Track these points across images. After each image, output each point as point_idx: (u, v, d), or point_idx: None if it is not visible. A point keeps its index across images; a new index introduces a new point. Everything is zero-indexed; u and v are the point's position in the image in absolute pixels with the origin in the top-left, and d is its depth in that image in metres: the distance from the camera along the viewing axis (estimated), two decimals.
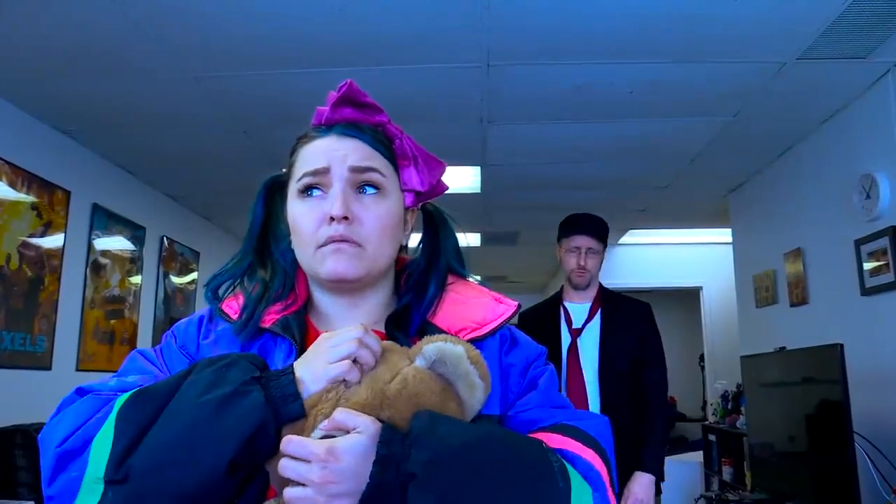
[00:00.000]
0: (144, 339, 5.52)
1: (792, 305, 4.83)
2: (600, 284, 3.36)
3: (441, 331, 1.07)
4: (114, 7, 2.95)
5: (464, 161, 5.11)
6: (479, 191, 5.78)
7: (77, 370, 4.57)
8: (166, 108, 4.07)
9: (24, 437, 3.54)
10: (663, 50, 3.39)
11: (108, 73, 3.58)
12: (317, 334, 1.07)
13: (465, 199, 5.90)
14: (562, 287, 3.41)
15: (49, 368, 4.27)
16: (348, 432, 0.89)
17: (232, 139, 4.48)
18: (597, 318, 3.24)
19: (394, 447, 0.88)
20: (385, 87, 3.74)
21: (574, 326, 3.24)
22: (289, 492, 0.88)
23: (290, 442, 0.89)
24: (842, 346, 3.21)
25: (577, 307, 3.29)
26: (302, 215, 1.10)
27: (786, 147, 4.85)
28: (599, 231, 3.26)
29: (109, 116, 4.19)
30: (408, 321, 1.13)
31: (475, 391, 0.98)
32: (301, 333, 1.11)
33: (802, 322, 4.66)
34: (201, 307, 1.21)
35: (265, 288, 1.15)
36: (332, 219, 1.06)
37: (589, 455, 1.01)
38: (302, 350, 1.03)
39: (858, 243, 3.95)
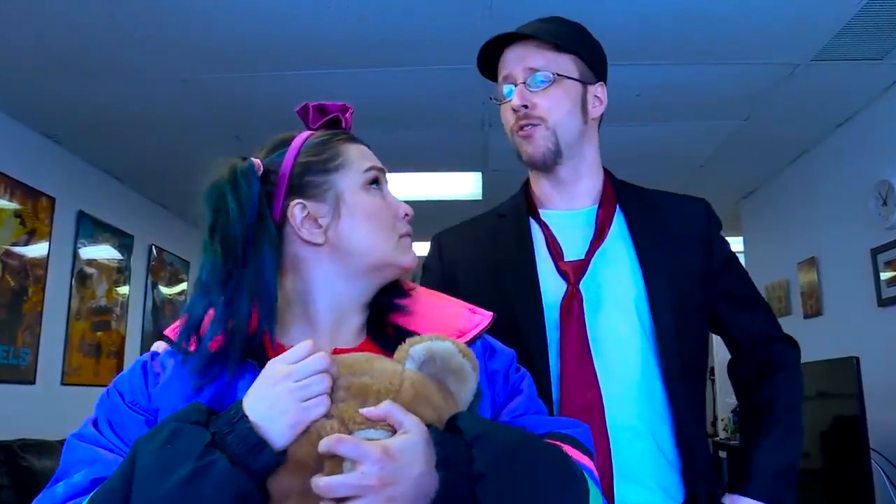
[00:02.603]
0: (132, 352, 5.49)
1: (805, 317, 4.83)
2: (607, 171, 1.75)
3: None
4: (100, 6, 2.95)
5: (464, 167, 5.11)
6: (480, 198, 5.78)
7: (62, 384, 4.54)
8: (155, 111, 4.07)
9: (6, 454, 3.52)
10: (671, 51, 3.40)
11: (94, 74, 3.58)
12: (284, 349, 1.03)
13: (466, 206, 5.87)
14: (526, 184, 1.79)
15: (33, 382, 4.25)
16: (393, 430, 0.91)
17: (224, 143, 4.47)
18: (616, 233, 1.63)
19: (448, 448, 0.91)
20: (382, 89, 3.75)
21: (568, 258, 1.59)
22: None
23: (343, 442, 0.87)
24: (857, 359, 3.20)
25: (567, 218, 1.67)
26: (381, 207, 1.17)
27: (799, 152, 4.85)
28: (555, 33, 1.64)
29: (95, 120, 4.19)
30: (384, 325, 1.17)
31: (466, 383, 1.00)
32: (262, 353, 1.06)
33: (816, 334, 4.65)
34: None
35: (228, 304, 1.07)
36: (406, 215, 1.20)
37: (587, 462, 1.06)
38: None
39: (875, 252, 3.95)
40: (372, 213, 1.15)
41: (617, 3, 3.01)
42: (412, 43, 3.32)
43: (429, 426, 0.92)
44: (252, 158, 1.14)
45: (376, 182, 1.18)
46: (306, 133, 1.21)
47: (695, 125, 4.35)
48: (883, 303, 3.89)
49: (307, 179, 1.14)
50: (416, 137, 4.50)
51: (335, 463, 0.87)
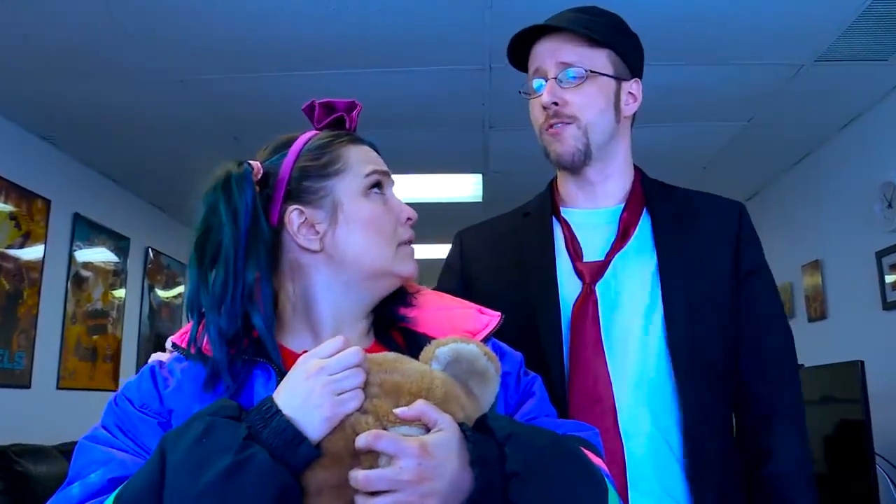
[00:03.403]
0: (128, 356, 5.51)
1: (810, 320, 4.82)
2: (638, 170, 1.70)
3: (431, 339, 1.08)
4: (97, 5, 2.95)
5: (464, 168, 5.12)
6: (480, 200, 5.78)
7: (57, 388, 4.54)
8: (152, 113, 4.07)
9: (1, 459, 3.51)
10: (674, 52, 3.40)
11: (91, 74, 3.58)
12: (288, 351, 1.08)
13: (466, 208, 5.89)
14: (552, 182, 1.73)
15: (28, 387, 4.24)
16: (427, 428, 0.91)
17: (221, 145, 4.47)
18: (641, 236, 1.59)
19: (482, 446, 0.92)
20: (382, 90, 3.75)
21: (587, 259, 1.57)
22: (380, 501, 0.86)
23: (381, 438, 0.88)
24: (862, 363, 3.19)
25: (589, 217, 1.63)
26: (381, 213, 1.15)
27: (803, 154, 4.85)
28: (589, 25, 1.58)
29: (91, 121, 4.19)
30: (390, 327, 1.18)
31: (489, 385, 1.01)
32: (276, 354, 1.07)
33: (821, 338, 4.65)
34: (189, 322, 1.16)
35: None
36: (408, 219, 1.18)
37: (601, 464, 1.06)
38: (283, 373, 1.00)
39: (879, 255, 3.95)
40: (370, 221, 1.13)
41: (620, 4, 3.01)
42: (412, 43, 3.32)
43: (461, 425, 0.93)
44: (251, 162, 1.13)
45: (379, 186, 1.16)
46: (309, 134, 1.19)
47: (698, 127, 4.35)
48: (888, 306, 3.89)
49: (305, 185, 1.13)
50: (416, 138, 4.50)
51: (372, 457, 0.88)
